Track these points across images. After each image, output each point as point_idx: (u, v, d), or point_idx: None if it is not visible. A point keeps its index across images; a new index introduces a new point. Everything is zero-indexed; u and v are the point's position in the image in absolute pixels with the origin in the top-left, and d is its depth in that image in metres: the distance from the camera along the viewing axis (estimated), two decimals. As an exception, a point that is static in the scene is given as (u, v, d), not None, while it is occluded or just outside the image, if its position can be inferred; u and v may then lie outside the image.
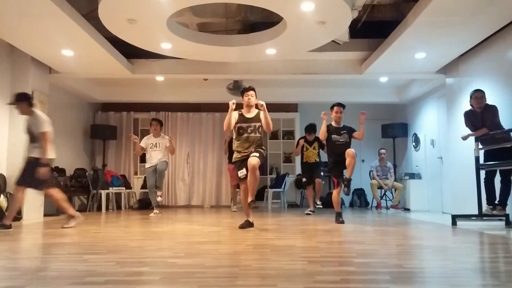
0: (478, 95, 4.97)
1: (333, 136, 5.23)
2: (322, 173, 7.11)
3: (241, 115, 4.59)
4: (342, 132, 5.27)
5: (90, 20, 5.13)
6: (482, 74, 5.66)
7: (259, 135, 4.55)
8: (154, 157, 6.45)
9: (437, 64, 6.39)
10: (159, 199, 6.37)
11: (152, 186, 6.42)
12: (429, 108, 7.87)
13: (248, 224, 4.52)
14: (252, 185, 4.37)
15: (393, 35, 5.53)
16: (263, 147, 4.55)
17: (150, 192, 6.52)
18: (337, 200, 5.19)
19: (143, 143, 6.53)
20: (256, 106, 4.58)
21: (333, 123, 5.34)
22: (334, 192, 5.22)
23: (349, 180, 5.01)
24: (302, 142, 6.93)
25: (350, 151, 4.98)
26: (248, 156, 4.42)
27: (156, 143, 6.49)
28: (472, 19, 4.63)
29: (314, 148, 6.96)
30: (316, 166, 6.98)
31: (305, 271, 2.20)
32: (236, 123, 4.54)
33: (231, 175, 7.53)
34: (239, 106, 4.55)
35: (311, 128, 6.99)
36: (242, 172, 4.47)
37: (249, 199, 4.38)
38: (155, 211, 6.40)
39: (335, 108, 5.35)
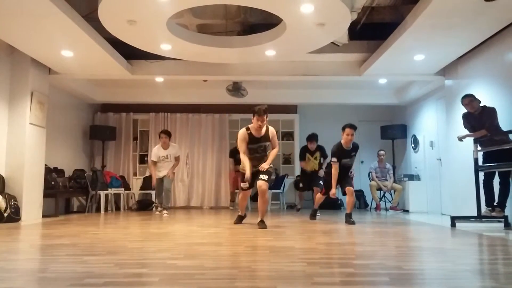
0: (466, 101, 4.99)
1: (343, 160, 5.28)
2: (321, 182, 7.15)
3: (250, 134, 4.65)
4: (352, 154, 5.34)
5: (90, 21, 5.13)
6: (480, 76, 5.67)
7: (268, 152, 4.74)
8: (164, 168, 6.58)
9: (436, 66, 6.40)
10: (165, 215, 6.38)
11: (161, 193, 6.56)
12: (428, 110, 7.88)
13: (239, 219, 4.94)
14: (262, 207, 4.66)
15: (392, 37, 5.54)
16: (271, 164, 4.71)
17: (158, 194, 6.65)
18: (319, 201, 5.76)
19: (154, 157, 6.60)
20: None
21: (343, 143, 5.28)
22: (320, 195, 5.63)
23: (350, 214, 5.22)
24: (309, 157, 7.09)
25: (350, 189, 5.21)
26: (256, 170, 4.59)
27: (167, 155, 6.60)
28: (471, 21, 4.64)
29: (315, 158, 7.05)
30: (314, 176, 7.05)
31: (304, 273, 2.20)
32: (247, 143, 4.64)
33: (232, 181, 7.88)
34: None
35: (313, 137, 7.03)
36: (245, 185, 4.67)
37: (259, 219, 4.64)
38: (162, 210, 6.51)
39: (346, 130, 5.22)
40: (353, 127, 5.23)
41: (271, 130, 4.72)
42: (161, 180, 6.55)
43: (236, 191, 8.02)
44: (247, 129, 4.65)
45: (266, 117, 4.59)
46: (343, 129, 5.26)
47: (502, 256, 2.88)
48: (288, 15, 4.72)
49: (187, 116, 9.14)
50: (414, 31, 4.98)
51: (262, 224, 4.56)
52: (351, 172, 5.50)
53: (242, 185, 4.71)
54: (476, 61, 5.79)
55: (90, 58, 5.98)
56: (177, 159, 6.70)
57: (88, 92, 8.08)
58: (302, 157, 7.18)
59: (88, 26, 5.14)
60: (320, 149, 7.11)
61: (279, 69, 6.95)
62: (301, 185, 7.17)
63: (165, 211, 6.49)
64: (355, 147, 5.35)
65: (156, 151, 6.60)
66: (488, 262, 2.69)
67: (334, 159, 5.22)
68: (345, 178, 5.33)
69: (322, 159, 7.10)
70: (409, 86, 8.07)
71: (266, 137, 4.63)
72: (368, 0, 5.05)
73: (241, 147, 4.63)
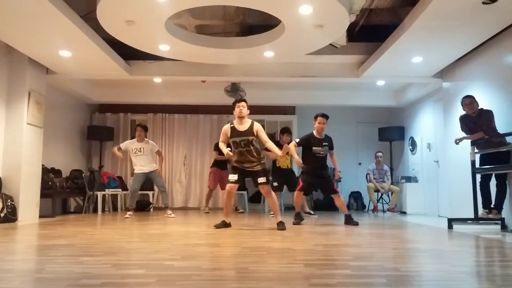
0: (467, 102, 5.01)
1: (314, 148, 5.26)
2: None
3: (233, 128, 4.59)
4: (324, 144, 5.31)
5: (88, 21, 5.13)
6: (478, 78, 5.69)
7: (254, 147, 4.57)
8: (142, 163, 6.38)
9: (434, 68, 6.42)
10: (172, 215, 6.39)
11: (135, 190, 6.35)
12: (426, 112, 7.90)
13: (223, 225, 4.66)
14: (274, 207, 4.65)
15: (390, 39, 5.55)
16: (262, 161, 4.64)
17: (131, 195, 6.41)
18: (299, 201, 5.40)
19: (123, 146, 6.48)
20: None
21: (315, 133, 5.36)
22: (297, 192, 5.31)
23: (349, 215, 5.25)
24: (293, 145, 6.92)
25: (335, 196, 5.30)
26: (246, 170, 4.52)
27: (140, 148, 6.41)
28: (468, 23, 4.66)
29: (286, 153, 6.90)
30: (289, 174, 6.93)
31: (301, 274, 2.20)
32: (230, 137, 4.58)
33: (213, 179, 7.56)
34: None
35: (286, 130, 7.01)
36: (233, 177, 4.53)
37: (277, 221, 4.59)
38: (129, 213, 6.30)
39: (318, 118, 5.36)
40: (325, 116, 5.38)
41: (256, 124, 4.62)
42: (141, 177, 6.35)
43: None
44: (231, 123, 4.66)
45: (247, 104, 4.63)
46: (315, 117, 5.39)
47: (499, 258, 2.89)
48: (287, 16, 4.72)
49: (185, 117, 9.13)
50: (412, 34, 4.99)
51: (281, 225, 4.50)
52: (333, 176, 5.45)
53: (230, 177, 4.54)
54: (474, 64, 5.81)
55: (88, 58, 5.97)
56: (158, 153, 6.61)
57: (86, 92, 8.06)
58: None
59: (86, 26, 5.13)
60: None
61: (278, 70, 6.95)
62: (275, 184, 6.68)
63: (169, 211, 6.52)
64: (328, 138, 5.40)
65: (129, 143, 6.49)
66: (485, 264, 2.70)
67: (297, 140, 5.33)
68: (323, 181, 5.32)
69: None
70: (407, 88, 8.09)
71: (250, 132, 4.56)
72: (367, 2, 5.06)
73: (221, 138, 4.68)
